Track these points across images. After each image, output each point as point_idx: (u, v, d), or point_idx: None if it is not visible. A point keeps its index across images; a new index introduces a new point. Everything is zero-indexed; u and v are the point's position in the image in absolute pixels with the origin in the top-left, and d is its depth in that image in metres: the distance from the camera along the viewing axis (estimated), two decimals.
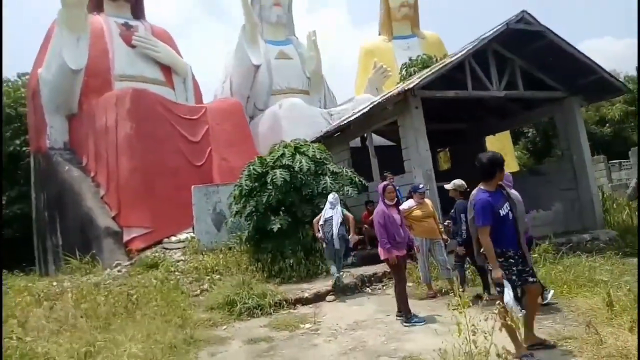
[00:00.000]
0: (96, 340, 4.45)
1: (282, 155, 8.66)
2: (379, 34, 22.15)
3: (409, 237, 5.97)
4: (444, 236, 6.53)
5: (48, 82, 13.72)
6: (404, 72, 15.56)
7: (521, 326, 3.68)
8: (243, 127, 14.09)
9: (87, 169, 12.94)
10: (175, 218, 11.61)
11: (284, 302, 6.78)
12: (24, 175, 16.99)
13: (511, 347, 3.54)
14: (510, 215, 3.78)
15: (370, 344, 4.78)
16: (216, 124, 13.31)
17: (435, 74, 8.01)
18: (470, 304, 3.48)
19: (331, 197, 7.57)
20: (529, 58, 9.43)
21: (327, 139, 11.28)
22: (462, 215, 5.92)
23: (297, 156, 8.64)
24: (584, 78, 9.45)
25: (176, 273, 9.18)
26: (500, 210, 3.74)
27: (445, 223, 6.62)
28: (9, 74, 20.44)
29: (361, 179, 9.04)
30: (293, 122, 14.69)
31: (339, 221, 7.42)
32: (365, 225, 9.38)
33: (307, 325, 5.79)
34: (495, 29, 8.38)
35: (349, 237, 7.52)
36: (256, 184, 8.79)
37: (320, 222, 7.46)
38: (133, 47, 15.30)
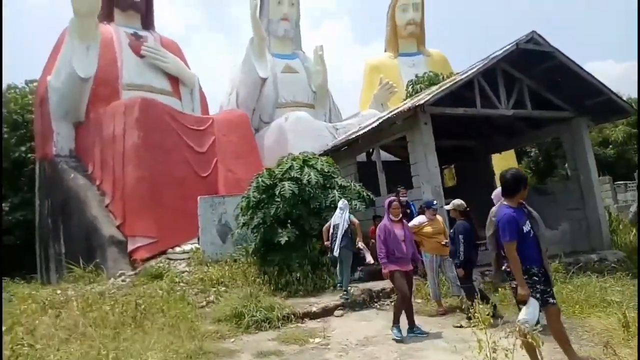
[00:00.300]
0: (108, 349, 4.40)
1: (291, 167, 8.68)
2: (385, 51, 22.40)
3: (413, 253, 5.95)
4: None
5: (57, 89, 13.80)
6: (410, 88, 15.70)
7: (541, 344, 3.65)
8: (249, 139, 14.14)
9: (92, 177, 12.94)
10: (180, 228, 11.58)
11: (292, 316, 6.72)
12: (27, 182, 17.02)
13: None
14: (532, 232, 3.77)
15: (383, 359, 4.73)
16: (223, 135, 13.36)
17: (445, 91, 8.08)
18: (491, 321, 3.44)
19: (341, 203, 7.65)
20: (538, 78, 9.53)
21: (334, 153, 11.32)
22: (461, 237, 5.91)
23: (306, 169, 8.66)
24: (591, 99, 9.54)
25: (181, 284, 9.11)
26: (523, 227, 3.73)
27: (443, 243, 6.59)
28: (16, 80, 20.59)
29: (369, 193, 9.04)
30: (299, 135, 14.77)
31: (344, 229, 7.43)
32: (373, 240, 9.35)
33: (317, 340, 5.74)
34: (504, 49, 8.48)
35: (357, 243, 7.53)
36: (264, 195, 8.78)
37: (331, 230, 7.45)
38: (142, 57, 15.45)
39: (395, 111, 9.10)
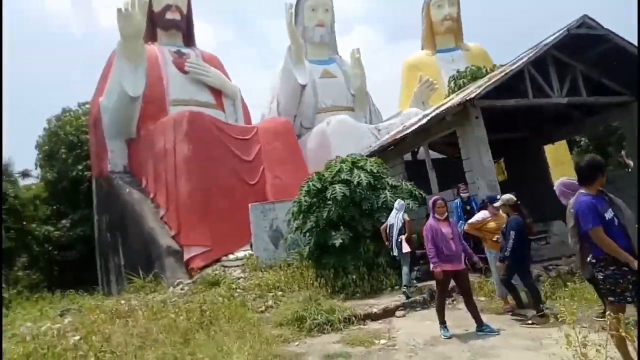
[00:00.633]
0: (184, 355, 4.53)
1: (340, 170, 8.68)
2: (422, 48, 22.13)
3: (464, 249, 5.81)
4: None
5: (108, 109, 14.48)
6: (452, 84, 15.40)
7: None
8: (293, 145, 14.30)
9: (146, 190, 13.45)
10: (232, 236, 11.85)
11: (353, 318, 6.69)
12: (85, 199, 17.86)
13: None
14: (616, 220, 3.57)
15: (455, 359, 4.63)
16: (267, 143, 13.58)
17: (495, 84, 7.87)
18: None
19: (397, 203, 7.71)
20: (591, 63, 9.12)
21: (381, 153, 11.24)
22: (512, 232, 5.74)
23: (355, 171, 8.64)
24: None
25: (238, 290, 9.28)
26: (605, 214, 3.54)
27: (495, 238, 6.45)
28: (70, 104, 21.69)
29: (421, 192, 8.91)
30: (341, 138, 14.81)
31: (398, 227, 7.55)
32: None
33: (382, 341, 5.68)
34: (555, 35, 8.18)
35: (399, 239, 7.55)
36: (315, 199, 8.83)
37: (387, 231, 7.49)
38: (185, 73, 15.98)
39: (444, 107, 8.94)
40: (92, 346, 5.45)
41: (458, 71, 15.61)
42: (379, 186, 8.63)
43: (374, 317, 6.89)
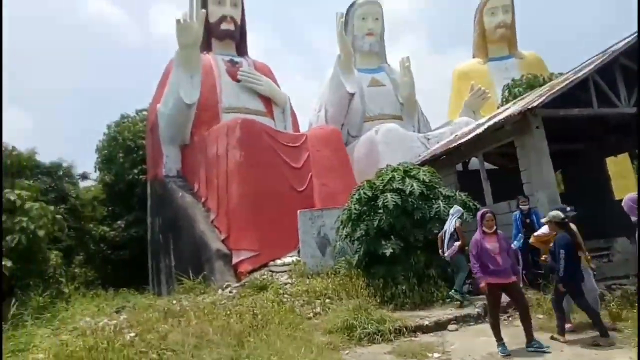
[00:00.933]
0: (241, 357, 4.58)
1: (392, 179, 8.58)
2: (473, 56, 21.65)
3: (512, 265, 5.57)
4: (592, 265, 5.94)
5: (165, 116, 15.07)
6: (506, 93, 14.94)
7: None
8: (341, 153, 14.31)
9: (198, 194, 13.84)
10: (280, 241, 11.95)
11: (404, 329, 6.56)
12: (139, 201, 18.61)
13: None
14: None
15: None
16: (316, 151, 13.66)
17: (557, 93, 7.55)
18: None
19: (452, 209, 7.77)
20: None
21: (432, 163, 11.04)
22: (562, 251, 5.45)
23: (407, 180, 8.52)
24: None
25: (285, 295, 9.33)
26: None
27: (543, 258, 6.22)
28: (129, 110, 22.75)
29: (475, 203, 8.65)
30: (390, 147, 14.69)
31: (450, 233, 7.72)
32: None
33: (436, 355, 5.53)
34: (625, 41, 7.76)
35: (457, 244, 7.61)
36: (365, 207, 8.77)
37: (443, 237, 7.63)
38: (238, 81, 16.41)
39: (501, 116, 8.67)
40: (150, 343, 5.63)
41: (513, 80, 15.13)
42: (431, 196, 8.46)
43: (425, 329, 6.73)
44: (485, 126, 8.85)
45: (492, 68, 20.10)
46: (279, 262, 11.60)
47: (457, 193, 8.72)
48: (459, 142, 9.70)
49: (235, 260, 11.79)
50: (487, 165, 12.71)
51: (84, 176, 20.96)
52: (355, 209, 8.79)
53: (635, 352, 4.67)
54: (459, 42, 72.95)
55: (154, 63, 72.09)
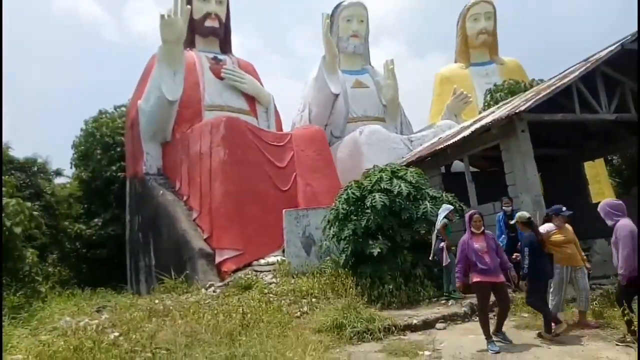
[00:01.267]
0: (238, 355, 4.53)
1: (380, 179, 8.64)
2: (455, 61, 22.02)
3: (502, 262, 5.73)
4: (587, 264, 6.11)
5: (146, 112, 14.78)
6: (488, 97, 15.24)
7: None
8: (326, 153, 14.33)
9: (179, 193, 13.63)
10: (263, 241, 11.90)
11: (393, 328, 6.60)
12: (115, 199, 18.20)
13: None
14: None
15: None
16: (301, 150, 13.64)
17: (543, 98, 7.75)
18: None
19: (441, 208, 7.97)
20: None
21: (417, 164, 11.15)
22: (526, 249, 5.77)
23: (395, 180, 8.58)
24: None
25: (270, 295, 9.28)
26: None
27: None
28: (107, 106, 22.24)
29: (461, 204, 8.79)
30: (373, 148, 14.81)
31: (435, 233, 8.02)
32: None
33: (427, 353, 5.57)
34: (608, 50, 8.02)
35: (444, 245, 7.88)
36: (352, 207, 8.80)
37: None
38: (221, 79, 16.25)
39: (486, 120, 8.84)
40: (139, 342, 5.51)
41: (495, 85, 15.45)
42: (418, 197, 8.55)
43: (413, 328, 6.78)
44: (472, 129, 9.01)
45: (474, 73, 20.51)
46: (262, 261, 11.54)
47: (443, 194, 8.84)
48: (446, 144, 9.84)
49: (218, 259, 11.65)
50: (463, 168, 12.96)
51: (58, 173, 20.35)
52: (342, 208, 8.81)
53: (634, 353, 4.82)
54: (436, 47, 74.09)
55: (130, 59, 70.73)
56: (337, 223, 8.96)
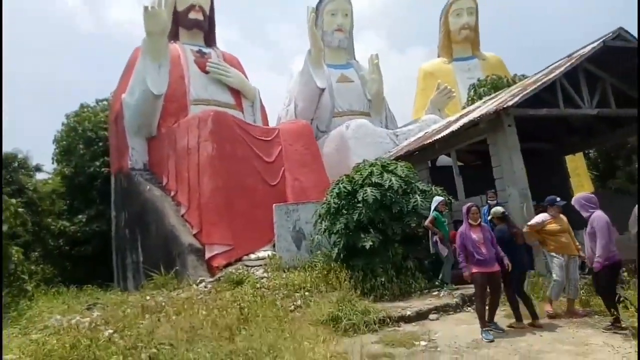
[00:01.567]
0: (239, 348, 4.59)
1: (371, 173, 8.76)
2: (438, 56, 22.27)
3: (496, 253, 5.96)
4: (582, 253, 6.35)
5: (131, 106, 14.58)
6: (472, 92, 15.51)
7: None
8: (313, 148, 14.39)
9: (167, 188, 13.52)
10: (253, 236, 11.94)
11: (388, 320, 6.76)
12: (99, 195, 17.93)
13: None
14: None
15: None
16: (289, 145, 13.67)
17: (530, 94, 7.97)
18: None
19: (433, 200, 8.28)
20: (621, 75, 9.21)
21: (406, 158, 11.31)
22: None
23: (386, 175, 8.71)
24: None
25: (262, 289, 9.34)
26: None
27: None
28: (88, 99, 21.82)
29: (450, 198, 8.99)
30: (360, 142, 14.94)
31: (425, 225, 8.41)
32: (454, 245, 9.32)
33: (423, 343, 5.74)
34: (591, 47, 8.28)
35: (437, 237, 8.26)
36: (344, 201, 8.90)
37: None
38: (206, 72, 16.11)
39: (476, 114, 9.03)
40: (138, 338, 5.52)
41: (479, 80, 15.72)
42: (408, 190, 8.71)
43: (407, 319, 6.95)
44: (461, 123, 9.20)
45: (456, 68, 20.80)
46: (253, 256, 11.58)
47: (432, 188, 9.01)
48: (434, 138, 10.02)
49: (208, 254, 11.64)
50: (449, 162, 13.21)
51: (37, 168, 19.90)
52: (334, 202, 8.90)
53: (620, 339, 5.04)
54: (418, 41, 74.58)
55: (107, 49, 69.13)
56: (328, 217, 9.04)
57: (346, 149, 15.05)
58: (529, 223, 6.67)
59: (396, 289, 8.13)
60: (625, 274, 7.49)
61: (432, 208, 8.32)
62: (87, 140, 18.24)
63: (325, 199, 9.36)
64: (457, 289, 7.92)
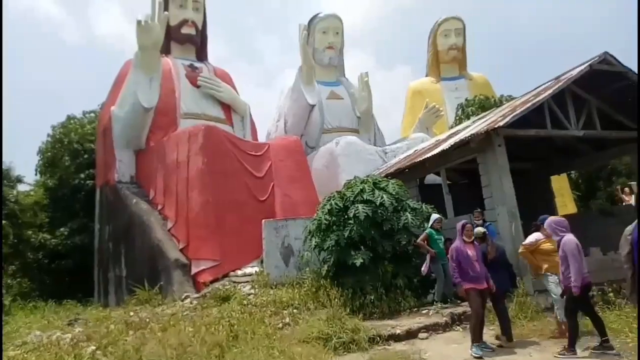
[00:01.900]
0: None
1: (363, 190, 8.76)
2: (426, 75, 22.66)
3: (485, 272, 6.05)
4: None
5: (120, 119, 14.47)
6: (459, 112, 15.76)
7: None
8: (303, 164, 14.41)
9: (153, 202, 13.35)
10: (241, 251, 11.80)
11: (378, 338, 6.70)
12: (82, 208, 17.60)
13: None
14: None
15: None
16: (279, 161, 13.66)
17: (519, 115, 8.13)
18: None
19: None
20: (606, 98, 9.46)
21: (395, 176, 11.36)
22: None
23: (377, 192, 8.73)
24: None
25: (249, 306, 9.20)
26: None
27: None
28: (75, 111, 21.59)
29: (440, 216, 9.02)
30: (350, 159, 14.99)
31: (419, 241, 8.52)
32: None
33: None
34: (577, 70, 8.50)
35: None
36: (334, 218, 8.88)
37: None
38: (197, 87, 16.11)
39: (466, 133, 9.16)
40: (125, 355, 5.37)
41: (466, 99, 16.00)
42: (399, 208, 8.72)
43: (397, 338, 6.89)
44: (451, 142, 9.31)
45: (444, 87, 21.16)
46: (240, 272, 11.43)
47: (423, 205, 9.05)
48: (425, 156, 10.11)
49: (194, 270, 11.47)
50: (439, 180, 13.33)
51: (18, 180, 19.49)
52: (325, 219, 8.87)
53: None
54: (404, 60, 75.87)
55: (94, 62, 68.72)
56: (319, 233, 9.00)
57: (335, 165, 15.08)
58: (524, 243, 6.74)
59: (385, 307, 8.08)
60: (611, 294, 7.60)
61: (429, 225, 8.41)
62: (73, 152, 17.99)
63: (315, 215, 9.33)
64: (447, 307, 7.90)
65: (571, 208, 17.23)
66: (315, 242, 8.99)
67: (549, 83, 9.25)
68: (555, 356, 5.39)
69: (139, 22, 13.33)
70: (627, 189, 13.93)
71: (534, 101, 8.27)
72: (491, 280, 6.10)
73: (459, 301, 7.91)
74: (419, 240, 8.42)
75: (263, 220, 10.97)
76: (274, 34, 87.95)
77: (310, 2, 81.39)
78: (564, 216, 10.71)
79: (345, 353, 6.35)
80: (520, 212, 11.33)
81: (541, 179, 12.61)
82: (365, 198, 8.63)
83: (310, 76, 17.26)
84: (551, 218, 6.06)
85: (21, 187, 19.22)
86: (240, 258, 11.78)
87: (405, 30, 75.64)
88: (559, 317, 6.32)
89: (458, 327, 7.32)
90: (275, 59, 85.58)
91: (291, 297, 9.08)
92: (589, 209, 21.24)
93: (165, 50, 16.31)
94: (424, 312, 7.94)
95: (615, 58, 8.56)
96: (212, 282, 11.17)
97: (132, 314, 9.46)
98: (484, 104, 14.64)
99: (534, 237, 6.58)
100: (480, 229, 6.65)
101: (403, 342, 6.77)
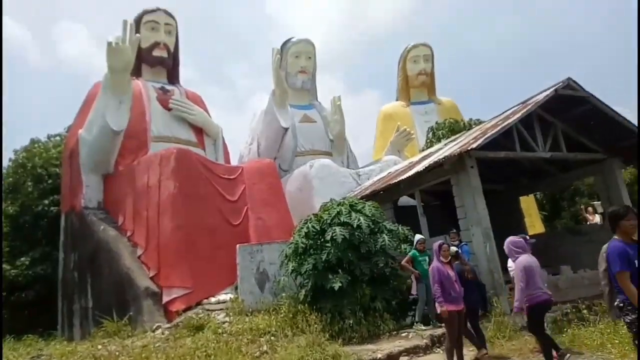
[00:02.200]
0: None
1: (339, 213, 8.74)
2: (397, 99, 23.17)
3: (462, 293, 6.12)
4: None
5: (88, 142, 14.04)
6: (430, 135, 16.11)
7: None
8: (277, 187, 14.29)
9: (122, 228, 12.89)
10: (214, 278, 11.49)
11: None
12: (45, 236, 16.84)
13: None
14: None
15: None
16: (253, 184, 13.50)
17: (490, 137, 8.35)
18: None
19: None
20: (570, 121, 9.86)
21: (370, 198, 11.41)
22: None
23: (354, 214, 8.73)
24: (623, 141, 9.84)
25: (224, 335, 8.91)
26: (635, 261, 3.78)
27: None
28: (39, 134, 20.88)
29: (423, 237, 9.07)
30: (324, 182, 14.97)
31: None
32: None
33: None
34: (544, 95, 8.85)
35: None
36: (311, 241, 8.79)
37: None
38: (169, 109, 15.88)
39: (439, 155, 9.33)
40: None
41: (437, 123, 16.39)
42: (376, 230, 8.73)
43: None
44: (426, 164, 9.45)
45: (414, 111, 21.67)
46: (213, 299, 11.09)
47: (399, 227, 9.09)
48: (400, 178, 10.22)
49: (166, 298, 11.04)
50: (412, 201, 13.47)
51: None
52: (302, 242, 8.77)
53: None
54: (372, 85, 77.62)
55: (60, 86, 67.14)
56: (296, 257, 8.88)
57: (310, 188, 15.03)
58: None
59: (365, 330, 8.00)
60: (585, 311, 7.75)
61: (414, 246, 8.53)
62: (36, 177, 17.28)
63: (292, 238, 9.21)
64: (426, 329, 7.87)
65: (539, 227, 17.70)
66: (293, 266, 8.87)
67: (517, 107, 9.60)
68: None
69: (109, 43, 13.11)
70: (590, 209, 14.47)
71: (504, 124, 8.54)
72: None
73: (439, 323, 7.87)
74: (403, 262, 8.44)
75: (238, 245, 10.74)
76: (243, 59, 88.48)
77: (279, 27, 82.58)
78: (533, 236, 11.01)
79: None
80: (493, 232, 11.57)
81: (511, 200, 12.94)
82: (342, 220, 8.61)
83: (283, 100, 17.33)
84: (509, 239, 6.11)
85: None
86: (214, 285, 11.46)
87: (373, 57, 77.62)
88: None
89: (438, 350, 7.29)
90: (246, 82, 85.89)
91: (268, 323, 8.86)
92: (555, 228, 21.91)
93: (136, 73, 16.06)
94: (403, 334, 7.89)
95: (577, 84, 8.98)
96: (184, 310, 10.79)
97: (100, 347, 9.01)
98: (454, 127, 15.05)
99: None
100: (453, 248, 6.77)
101: None
